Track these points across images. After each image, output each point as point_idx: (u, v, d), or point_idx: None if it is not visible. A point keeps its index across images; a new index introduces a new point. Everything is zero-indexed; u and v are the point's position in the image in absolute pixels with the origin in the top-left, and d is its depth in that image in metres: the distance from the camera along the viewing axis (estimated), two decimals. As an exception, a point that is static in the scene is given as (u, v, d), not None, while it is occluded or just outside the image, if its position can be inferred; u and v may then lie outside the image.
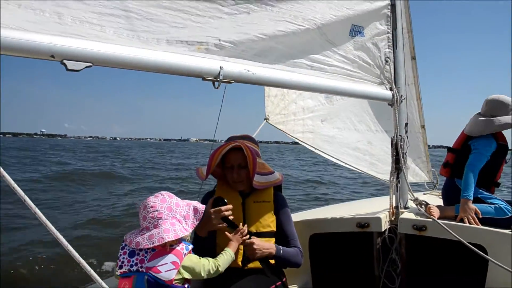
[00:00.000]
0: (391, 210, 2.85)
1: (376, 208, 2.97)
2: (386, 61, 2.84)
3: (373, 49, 2.83)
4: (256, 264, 2.19)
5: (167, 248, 1.78)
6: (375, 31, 2.86)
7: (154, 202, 1.79)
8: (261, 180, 2.29)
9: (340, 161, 4.00)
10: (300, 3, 2.31)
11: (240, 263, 2.19)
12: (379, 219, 2.69)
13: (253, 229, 2.25)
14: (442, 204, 2.99)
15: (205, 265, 1.88)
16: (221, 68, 1.82)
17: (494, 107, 2.85)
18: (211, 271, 1.89)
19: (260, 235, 2.25)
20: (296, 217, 3.22)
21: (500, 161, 2.84)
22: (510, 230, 2.45)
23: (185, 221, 1.84)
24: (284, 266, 2.32)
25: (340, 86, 2.49)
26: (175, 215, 1.80)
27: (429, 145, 4.54)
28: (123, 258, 1.76)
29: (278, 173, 2.40)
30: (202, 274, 1.86)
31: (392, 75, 2.84)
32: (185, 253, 1.81)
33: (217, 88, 1.83)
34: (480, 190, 2.78)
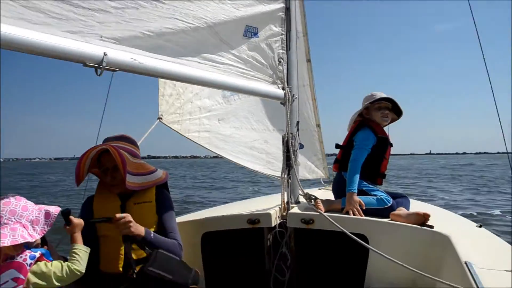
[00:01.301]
0: (283, 206, 2.95)
1: (268, 204, 3.05)
2: (279, 62, 2.94)
3: (267, 50, 2.91)
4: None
5: (1, 262, 1.54)
6: (270, 33, 2.95)
7: None
8: (138, 181, 2.19)
9: (237, 159, 4.05)
10: (192, 1, 2.29)
11: (121, 269, 2.09)
12: (269, 214, 2.76)
13: None
14: (334, 199, 3.14)
15: (57, 272, 1.65)
16: (104, 54, 1.71)
17: (362, 104, 3.10)
18: (66, 276, 1.67)
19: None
20: (188, 217, 3.17)
21: (382, 154, 3.02)
22: (388, 219, 2.67)
23: (33, 226, 1.62)
24: None
25: (233, 82, 2.52)
26: (19, 219, 1.59)
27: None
28: None
29: (162, 171, 2.35)
30: (56, 282, 1.64)
31: (285, 75, 2.95)
32: (31, 263, 1.60)
33: (99, 75, 1.70)
34: (365, 183, 2.95)
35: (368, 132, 2.96)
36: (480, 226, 3.02)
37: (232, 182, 25.40)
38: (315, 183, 5.02)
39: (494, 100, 2.69)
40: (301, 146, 4.40)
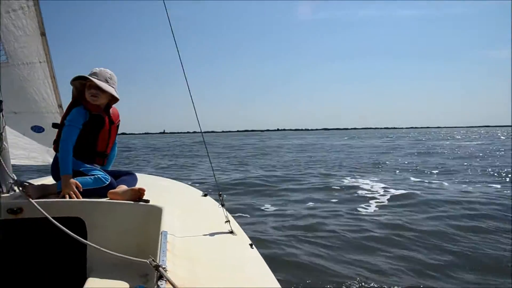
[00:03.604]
0: None
1: None
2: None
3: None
4: None
5: None
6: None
7: None
8: None
9: None
10: None
11: None
12: None
13: None
14: (49, 184, 2.90)
15: None
16: None
17: None
18: None
19: None
20: None
21: (96, 132, 2.88)
22: (106, 198, 2.59)
23: None
24: None
25: None
26: None
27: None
28: None
29: None
30: None
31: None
32: None
33: None
34: (81, 163, 2.81)
35: (79, 109, 2.81)
36: (206, 195, 3.20)
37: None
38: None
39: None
40: (41, 129, 3.99)
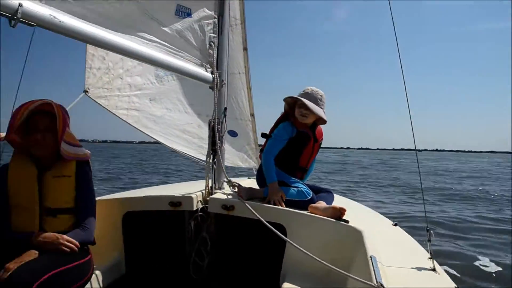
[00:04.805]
0: (206, 191, 2.94)
1: (193, 189, 3.03)
2: (210, 45, 2.90)
3: (199, 32, 2.85)
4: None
5: None
6: (203, 14, 2.89)
7: None
8: (69, 149, 2.13)
9: (166, 141, 3.97)
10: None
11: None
12: (191, 198, 2.75)
13: (49, 205, 2.10)
14: (257, 188, 3.14)
15: None
16: (20, 5, 1.58)
17: None
18: None
19: (56, 211, 2.11)
20: (109, 196, 3.08)
21: (301, 148, 3.03)
22: (307, 211, 2.72)
23: None
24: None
25: (160, 56, 2.44)
26: None
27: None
28: None
29: (86, 150, 2.27)
30: None
31: (215, 59, 2.92)
32: None
33: (13, 26, 1.58)
34: (285, 174, 2.98)
35: (286, 125, 2.98)
36: (395, 225, 3.13)
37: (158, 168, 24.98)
38: (245, 171, 5.05)
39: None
40: (235, 134, 4.41)
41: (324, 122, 3.07)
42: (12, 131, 2.08)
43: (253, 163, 4.86)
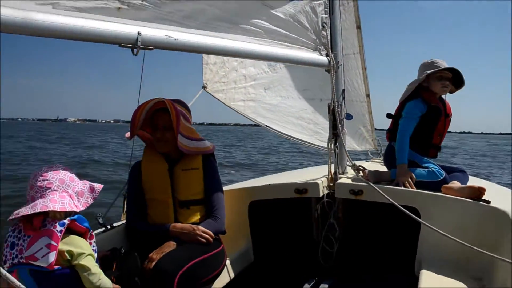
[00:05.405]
0: (330, 176, 2.89)
1: (316, 175, 3.00)
2: (323, 27, 2.79)
3: (311, 14, 2.76)
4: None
5: (38, 229, 1.55)
6: (314, -5, 2.79)
7: (46, 171, 1.62)
8: (188, 144, 2.22)
9: (284, 129, 3.99)
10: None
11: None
12: (317, 184, 2.72)
13: (182, 197, 2.23)
14: (386, 169, 3.02)
15: (92, 274, 1.59)
16: (139, 34, 1.69)
17: (418, 71, 2.91)
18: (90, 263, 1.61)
19: (189, 203, 2.23)
20: (235, 186, 3.21)
21: (433, 124, 2.84)
22: (441, 192, 2.54)
23: (78, 198, 1.65)
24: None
25: (273, 51, 2.41)
26: (67, 189, 1.62)
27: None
28: (6, 251, 1.56)
29: (209, 143, 2.35)
30: (83, 262, 1.58)
31: (329, 41, 2.81)
32: (61, 230, 1.56)
33: (135, 54, 1.71)
34: (416, 154, 2.83)
35: (416, 102, 2.80)
36: None
37: (277, 153, 25.16)
38: (361, 154, 4.87)
39: None
40: (350, 117, 4.23)
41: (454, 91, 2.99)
42: (134, 130, 2.23)
43: (369, 146, 4.66)
